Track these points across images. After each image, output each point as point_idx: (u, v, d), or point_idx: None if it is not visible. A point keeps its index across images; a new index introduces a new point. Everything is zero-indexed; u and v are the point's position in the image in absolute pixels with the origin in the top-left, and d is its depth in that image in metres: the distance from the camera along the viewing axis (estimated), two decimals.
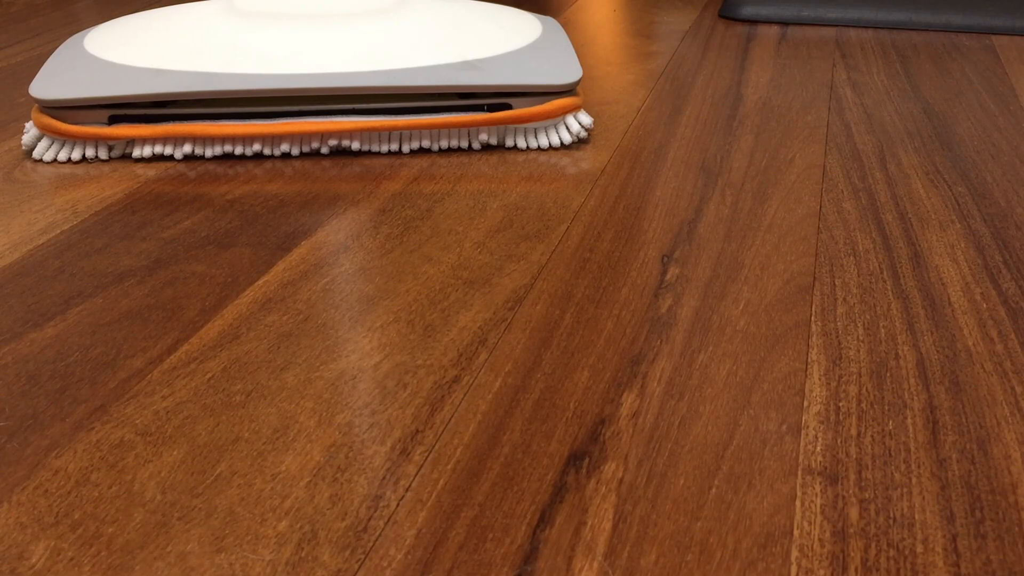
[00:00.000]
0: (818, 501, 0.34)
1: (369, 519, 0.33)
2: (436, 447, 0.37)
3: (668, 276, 0.49)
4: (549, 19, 0.74)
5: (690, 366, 0.42)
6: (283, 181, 0.61)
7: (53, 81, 0.63)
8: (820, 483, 0.35)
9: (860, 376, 0.41)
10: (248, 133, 0.63)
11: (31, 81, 0.78)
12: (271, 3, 0.68)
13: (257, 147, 0.64)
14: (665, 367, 0.42)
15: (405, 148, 0.65)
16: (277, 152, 0.64)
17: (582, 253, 0.52)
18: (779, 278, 0.49)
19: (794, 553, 0.32)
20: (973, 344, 0.43)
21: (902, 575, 0.31)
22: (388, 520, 0.33)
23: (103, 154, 0.64)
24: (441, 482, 0.35)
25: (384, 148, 0.64)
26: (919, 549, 0.32)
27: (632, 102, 0.76)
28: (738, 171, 0.62)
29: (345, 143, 0.64)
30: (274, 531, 0.33)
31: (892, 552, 0.32)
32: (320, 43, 0.65)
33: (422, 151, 0.66)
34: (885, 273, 0.49)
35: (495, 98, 0.64)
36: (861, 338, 0.44)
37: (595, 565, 0.31)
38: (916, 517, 0.33)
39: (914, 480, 0.35)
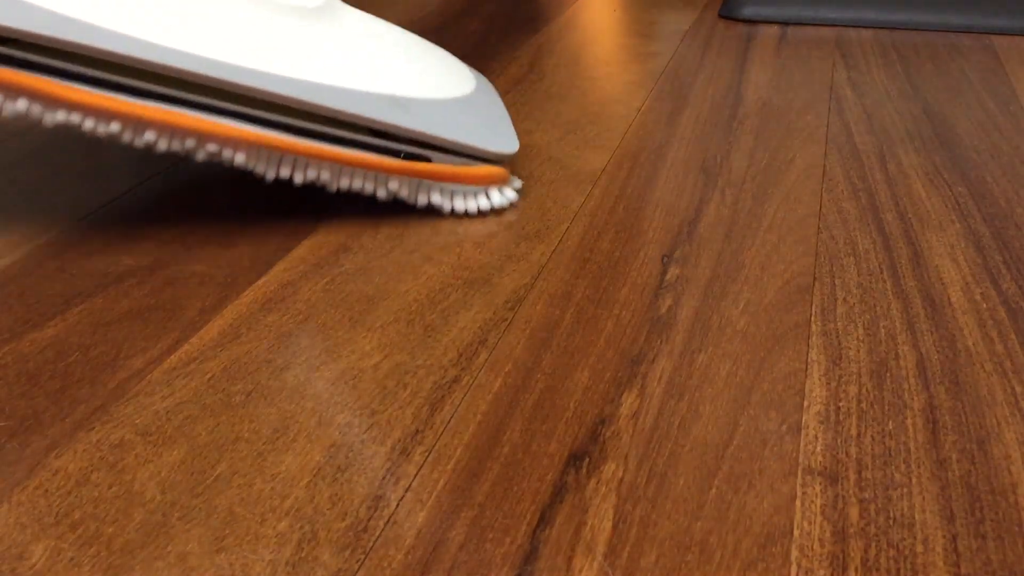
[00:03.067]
0: (818, 501, 0.34)
1: (369, 519, 0.33)
2: (436, 447, 0.37)
3: (668, 276, 0.49)
4: (482, 77, 0.64)
5: (690, 366, 0.42)
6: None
7: None
8: (820, 483, 0.35)
9: (860, 376, 0.41)
10: (103, 106, 0.49)
11: None
12: None
13: (115, 127, 0.50)
14: (665, 367, 0.42)
15: (298, 178, 0.53)
16: (140, 141, 0.51)
17: (582, 253, 0.52)
18: (779, 278, 0.49)
19: (794, 553, 0.32)
20: (973, 344, 0.43)
21: (902, 575, 0.31)
22: (388, 520, 0.33)
23: None
24: (441, 482, 0.35)
25: (271, 172, 0.52)
26: (919, 549, 0.32)
27: (632, 102, 0.76)
28: (738, 171, 0.62)
29: (228, 153, 0.51)
30: (274, 531, 0.33)
31: (892, 552, 0.32)
32: (220, 24, 0.52)
33: (315, 187, 0.59)
34: (885, 273, 0.49)
35: (415, 147, 0.54)
36: (861, 338, 0.44)
37: (595, 565, 0.31)
38: (916, 517, 0.33)
39: (914, 480, 0.35)
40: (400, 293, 0.48)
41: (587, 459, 0.36)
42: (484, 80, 0.63)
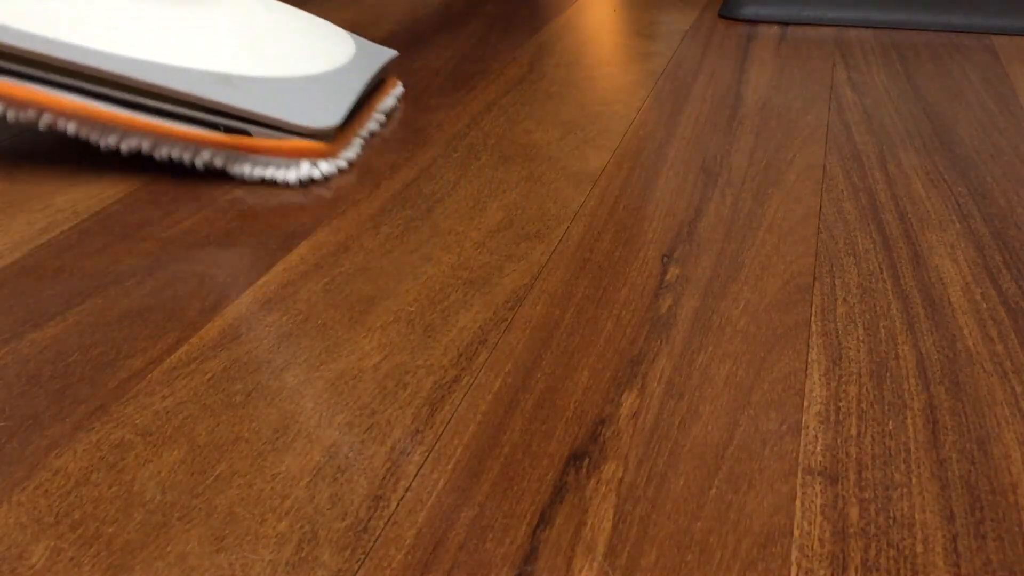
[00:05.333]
0: (818, 501, 0.34)
1: (369, 519, 0.33)
2: (436, 447, 0.37)
3: (668, 276, 0.49)
4: (372, 52, 0.71)
5: (690, 366, 0.42)
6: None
7: None
8: (820, 483, 0.35)
9: (860, 376, 0.41)
10: None
11: None
12: None
13: None
14: (665, 367, 0.42)
15: (124, 146, 0.58)
16: None
17: (582, 253, 0.52)
18: (779, 278, 0.49)
19: (794, 553, 0.32)
20: (973, 344, 0.43)
21: (902, 575, 0.31)
22: (388, 520, 0.33)
23: None
24: (441, 482, 0.35)
25: (101, 141, 0.58)
26: (919, 549, 0.32)
27: (632, 102, 0.76)
28: (738, 171, 0.62)
29: (62, 123, 0.57)
30: (274, 531, 0.33)
31: (892, 552, 0.32)
32: (74, 9, 0.58)
33: (142, 156, 0.64)
34: (885, 273, 0.49)
35: (237, 121, 0.58)
36: (861, 338, 0.44)
37: (595, 565, 0.31)
38: (916, 517, 0.33)
39: (914, 480, 0.35)
40: (400, 293, 0.48)
41: (587, 459, 0.36)
42: (371, 56, 0.70)
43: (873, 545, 0.32)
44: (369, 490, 0.35)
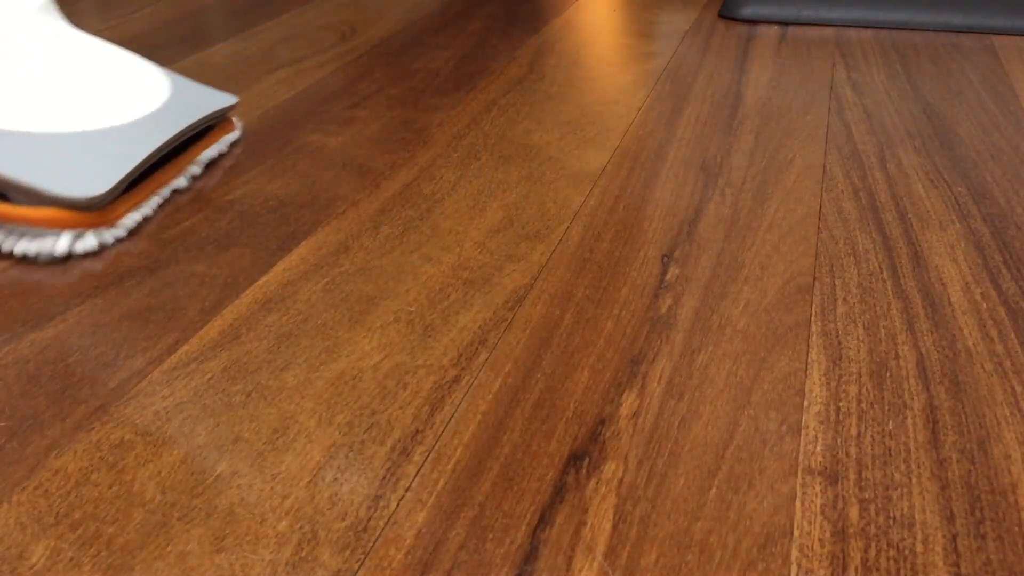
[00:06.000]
0: (818, 501, 0.34)
1: (369, 519, 0.33)
2: (436, 447, 0.37)
3: (668, 276, 0.49)
4: (200, 97, 0.62)
5: (690, 366, 0.42)
6: (283, 181, 0.61)
7: None
8: (820, 483, 0.35)
9: (860, 376, 0.41)
10: None
11: None
12: None
13: None
14: (665, 367, 0.42)
15: None
16: None
17: (582, 253, 0.52)
18: (779, 278, 0.49)
19: (794, 553, 0.32)
20: (973, 344, 0.43)
21: (902, 575, 0.31)
22: (388, 520, 0.33)
23: None
24: (441, 482, 0.35)
25: None
26: (919, 549, 0.32)
27: (632, 102, 0.76)
28: (738, 171, 0.62)
29: None
30: (274, 531, 0.33)
31: (892, 552, 0.32)
32: None
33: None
34: (885, 273, 0.49)
35: None
36: (861, 338, 0.44)
37: (595, 565, 0.31)
38: (916, 517, 0.33)
39: (914, 480, 0.35)
40: (400, 293, 0.48)
41: (587, 459, 0.36)
42: (190, 104, 0.60)
43: (873, 545, 0.32)
44: (369, 490, 0.35)
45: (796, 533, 0.32)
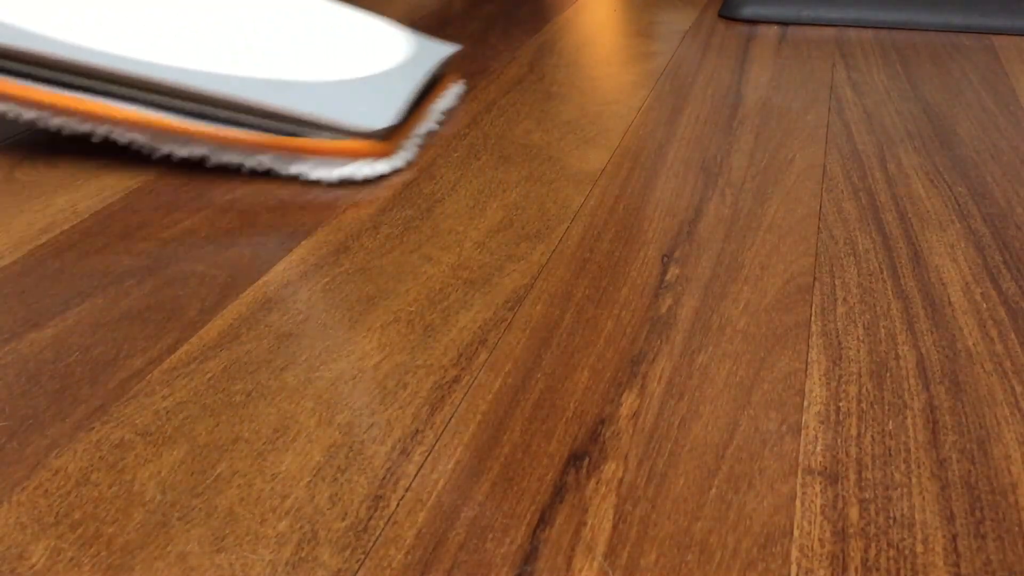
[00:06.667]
0: (818, 501, 0.34)
1: (369, 519, 0.33)
2: (436, 447, 0.37)
3: (668, 276, 0.49)
4: (431, 48, 0.74)
5: (690, 366, 0.42)
6: (283, 180, 0.61)
7: None
8: (820, 483, 0.35)
9: (860, 376, 0.41)
10: (23, 96, 0.57)
11: None
12: None
13: (32, 114, 0.59)
14: (665, 367, 0.42)
15: (181, 152, 0.61)
16: (52, 124, 0.59)
17: (582, 253, 0.52)
18: (779, 278, 0.49)
19: (794, 553, 0.32)
20: (973, 344, 0.43)
21: (902, 575, 0.31)
22: (388, 520, 0.33)
23: None
24: (441, 482, 0.35)
25: (159, 149, 0.61)
26: (919, 549, 0.32)
27: (632, 102, 0.76)
28: (738, 171, 0.62)
29: (119, 132, 0.59)
30: (274, 531, 0.33)
31: (892, 552, 0.32)
32: (127, 23, 0.60)
33: (142, 155, 0.64)
34: (885, 273, 0.49)
35: (289, 124, 0.60)
36: (861, 338, 0.44)
37: (595, 565, 0.31)
38: (916, 517, 0.33)
39: (914, 480, 0.35)
40: (400, 293, 0.48)
41: (587, 459, 0.36)
42: (427, 52, 0.72)
43: (873, 545, 0.32)
44: (369, 490, 0.35)
45: (796, 533, 0.33)
